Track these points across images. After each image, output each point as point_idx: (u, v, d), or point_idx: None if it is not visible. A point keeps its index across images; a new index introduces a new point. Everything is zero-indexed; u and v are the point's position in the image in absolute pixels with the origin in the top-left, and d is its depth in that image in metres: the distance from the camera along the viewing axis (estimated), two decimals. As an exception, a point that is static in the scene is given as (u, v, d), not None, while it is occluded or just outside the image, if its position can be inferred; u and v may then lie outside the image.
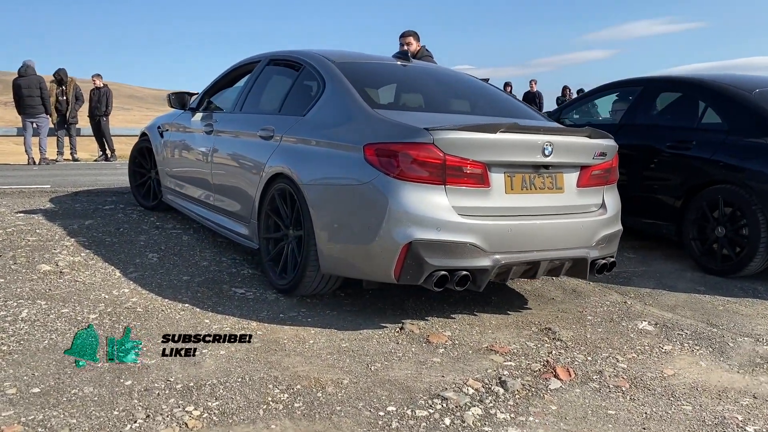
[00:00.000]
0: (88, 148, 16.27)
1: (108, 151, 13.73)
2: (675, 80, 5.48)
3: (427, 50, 6.53)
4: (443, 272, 3.12)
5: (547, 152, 3.36)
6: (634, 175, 5.30)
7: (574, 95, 17.93)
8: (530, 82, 17.40)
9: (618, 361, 3.14)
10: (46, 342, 3.00)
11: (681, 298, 4.25)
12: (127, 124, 28.20)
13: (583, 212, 3.63)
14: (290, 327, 3.33)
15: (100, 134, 13.60)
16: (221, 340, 3.10)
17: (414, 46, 6.47)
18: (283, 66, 4.53)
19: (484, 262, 3.18)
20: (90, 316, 3.33)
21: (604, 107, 6.89)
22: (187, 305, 3.56)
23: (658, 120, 5.44)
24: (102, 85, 13.40)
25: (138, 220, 5.61)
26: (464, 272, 3.14)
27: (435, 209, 3.12)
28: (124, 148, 15.01)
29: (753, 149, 4.56)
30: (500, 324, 3.55)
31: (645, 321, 3.75)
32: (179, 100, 5.31)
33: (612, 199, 3.82)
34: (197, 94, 5.44)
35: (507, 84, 17.70)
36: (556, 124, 3.93)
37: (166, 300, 3.63)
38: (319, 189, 3.45)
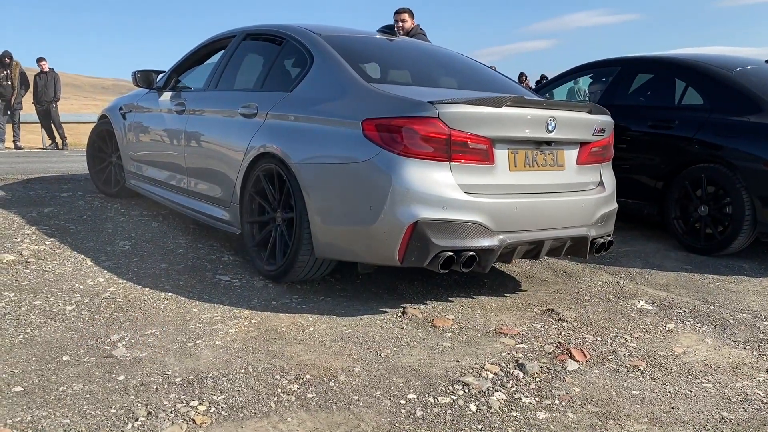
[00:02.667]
0: (29, 136, 15.52)
1: (59, 140, 13.08)
2: (653, 60, 5.46)
3: (420, 29, 6.40)
4: (449, 253, 2.98)
5: (550, 127, 3.25)
6: (618, 155, 5.25)
7: (532, 84, 18.04)
8: (491, 67, 17.42)
9: (627, 341, 3.06)
10: (22, 336, 2.74)
11: (671, 277, 4.22)
12: (69, 113, 27.06)
13: (583, 190, 3.54)
14: (286, 314, 3.14)
15: (49, 122, 12.94)
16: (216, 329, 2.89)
17: (408, 24, 6.36)
18: (263, 41, 4.29)
19: (491, 241, 3.05)
20: (66, 307, 3.07)
21: (580, 89, 6.86)
22: (170, 294, 3.33)
23: (638, 100, 5.42)
24: (48, 69, 12.73)
25: (101, 207, 5.28)
26: (471, 253, 3.01)
27: (440, 187, 2.97)
28: (71, 134, 14.39)
29: (736, 127, 4.57)
30: (501, 306, 3.43)
31: (642, 300, 3.69)
32: (145, 78, 4.99)
33: (609, 176, 3.76)
34: (163, 72, 5.14)
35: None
36: (557, 100, 3.83)
37: (147, 289, 3.39)
38: (313, 168, 3.26)
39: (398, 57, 4.11)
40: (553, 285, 3.94)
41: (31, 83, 12.73)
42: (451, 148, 2.98)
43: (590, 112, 3.47)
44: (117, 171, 5.67)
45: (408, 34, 6.21)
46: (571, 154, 3.47)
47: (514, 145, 3.20)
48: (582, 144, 3.50)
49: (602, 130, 3.57)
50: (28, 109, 13.38)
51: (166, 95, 4.85)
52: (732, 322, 3.39)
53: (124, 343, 2.72)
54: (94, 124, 6.15)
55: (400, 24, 6.37)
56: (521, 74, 18.76)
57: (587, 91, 5.88)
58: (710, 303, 3.70)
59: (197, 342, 2.76)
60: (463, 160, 3.02)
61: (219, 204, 4.08)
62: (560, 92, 6.75)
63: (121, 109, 5.49)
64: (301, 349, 2.74)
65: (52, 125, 12.97)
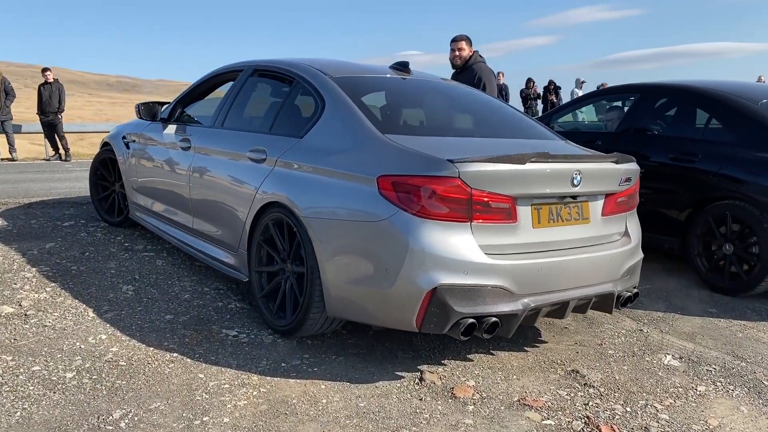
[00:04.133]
0: (32, 147, 15.40)
1: (62, 151, 12.96)
2: (674, 88, 5.28)
3: (480, 56, 5.88)
4: (471, 320, 2.81)
5: (575, 181, 3.08)
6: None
7: (540, 90, 17.84)
8: (498, 74, 17.20)
9: (658, 410, 2.89)
10: (19, 414, 2.58)
11: (696, 324, 4.05)
12: (73, 111, 26.93)
13: (608, 242, 3.37)
14: (296, 381, 2.98)
15: (53, 132, 12.80)
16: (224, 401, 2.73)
17: (466, 52, 5.83)
18: (271, 78, 4.13)
19: (514, 306, 2.88)
20: (66, 374, 2.91)
21: (595, 114, 6.68)
22: (176, 355, 3.17)
23: (659, 129, 5.23)
24: (53, 80, 12.60)
25: (104, 240, 5.13)
26: (494, 319, 2.84)
27: (461, 249, 2.80)
28: (73, 144, 14.27)
29: (763, 164, 4.39)
30: (523, 366, 3.26)
31: (669, 354, 3.52)
32: (149, 111, 4.84)
33: (634, 225, 3.59)
34: (167, 104, 4.98)
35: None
36: (582, 150, 3.65)
37: (151, 348, 3.23)
38: (325, 223, 3.09)
39: (413, 99, 3.94)
40: (575, 334, 3.76)
41: (38, 93, 12.60)
42: (472, 209, 2.81)
43: (617, 162, 3.30)
44: (120, 200, 5.53)
45: (466, 63, 5.78)
46: (596, 206, 3.29)
47: (537, 201, 3.03)
48: (607, 195, 3.33)
49: (628, 179, 3.40)
50: (32, 119, 13.25)
51: (171, 128, 4.69)
52: (766, 384, 3.22)
53: (126, 421, 2.56)
54: (98, 135, 6.01)
55: (457, 53, 5.84)
56: (529, 80, 18.53)
57: (604, 119, 5.71)
58: (741, 358, 3.53)
59: (204, 419, 2.60)
60: (484, 220, 2.86)
61: (225, 247, 3.92)
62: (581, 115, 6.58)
63: (124, 137, 5.34)
64: (313, 428, 2.58)
65: (56, 136, 12.83)
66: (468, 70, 5.69)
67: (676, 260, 5.13)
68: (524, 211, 2.98)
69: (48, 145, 13.19)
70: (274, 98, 3.97)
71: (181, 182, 4.38)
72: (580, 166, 3.09)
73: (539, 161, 2.94)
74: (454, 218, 2.80)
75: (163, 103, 5.00)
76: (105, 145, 5.72)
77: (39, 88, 12.57)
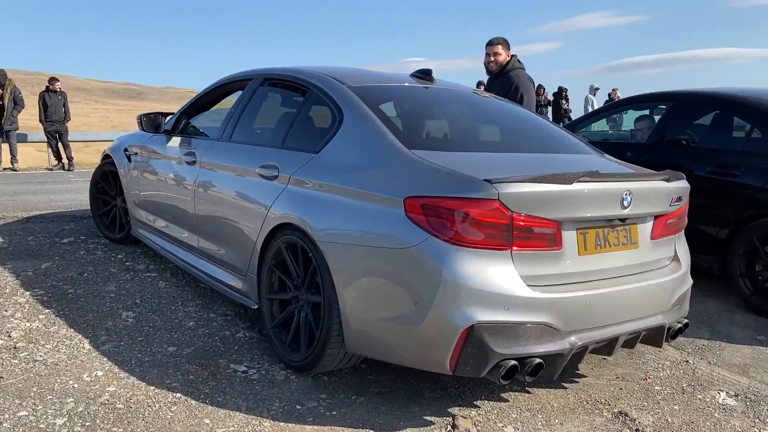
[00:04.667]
0: (37, 154, 15.16)
1: (65, 160, 12.71)
2: (710, 96, 4.94)
3: (519, 62, 5.38)
4: (513, 362, 2.48)
5: (626, 203, 2.76)
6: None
7: (550, 96, 17.52)
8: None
9: (723, 462, 2.55)
10: (-1, 472, 2.27)
11: (746, 354, 3.71)
12: (79, 118, 26.65)
13: (658, 268, 3.05)
14: (313, 427, 2.65)
15: (57, 141, 12.56)
16: (231, 457, 2.41)
17: (503, 57, 5.33)
18: (283, 88, 3.82)
19: (561, 345, 2.56)
20: (56, 421, 2.59)
21: (625, 123, 6.35)
22: (179, 395, 2.85)
23: (695, 140, 4.90)
24: (59, 89, 12.38)
25: (104, 259, 4.83)
26: (538, 360, 2.51)
27: (501, 282, 2.48)
28: (78, 152, 14.02)
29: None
30: (564, 407, 2.93)
31: (722, 391, 3.19)
32: (151, 122, 4.54)
33: (683, 248, 3.26)
34: (171, 114, 4.68)
35: (480, 83, 17.10)
36: (629, 166, 3.33)
37: (152, 387, 2.91)
38: (345, 249, 2.78)
39: (438, 110, 3.62)
40: (615, 367, 3.43)
41: (39, 102, 12.35)
42: (512, 235, 2.49)
43: (668, 180, 2.98)
44: (122, 215, 5.22)
45: (503, 69, 5.31)
46: (646, 229, 2.97)
47: (584, 225, 2.71)
48: (657, 216, 3.01)
49: (679, 198, 3.08)
50: (36, 128, 13.01)
51: (176, 140, 4.39)
52: (837, 427, 2.88)
53: (122, 480, 2.24)
54: (100, 145, 5.71)
55: (492, 58, 5.32)
56: (539, 86, 18.19)
57: (633, 128, 5.40)
58: (803, 396, 3.19)
59: (210, 477, 2.28)
60: (526, 248, 2.53)
61: (233, 271, 3.61)
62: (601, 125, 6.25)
63: (126, 150, 5.04)
64: (336, 488, 2.25)
65: (60, 145, 12.59)
66: (504, 77, 5.28)
67: (715, 280, 4.79)
68: (570, 237, 2.65)
69: (51, 154, 12.92)
70: (286, 109, 3.66)
71: (185, 198, 4.08)
72: (630, 186, 2.77)
73: (588, 181, 2.62)
74: (492, 246, 2.48)
75: (166, 114, 4.70)
76: (106, 157, 5.43)
77: (42, 96, 12.31)
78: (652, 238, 2.99)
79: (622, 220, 2.83)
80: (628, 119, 6.16)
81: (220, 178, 3.75)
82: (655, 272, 3.01)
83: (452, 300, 2.45)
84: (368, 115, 3.04)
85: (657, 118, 5.42)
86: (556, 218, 2.58)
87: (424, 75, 3.73)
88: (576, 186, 2.58)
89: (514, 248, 2.50)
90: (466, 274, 2.44)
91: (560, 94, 17.43)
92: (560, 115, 17.02)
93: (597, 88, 16.70)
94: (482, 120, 3.68)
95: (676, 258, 3.17)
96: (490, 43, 5.34)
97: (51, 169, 12.79)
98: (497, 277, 2.48)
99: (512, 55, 5.36)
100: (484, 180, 2.46)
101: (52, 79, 12.44)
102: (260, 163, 3.37)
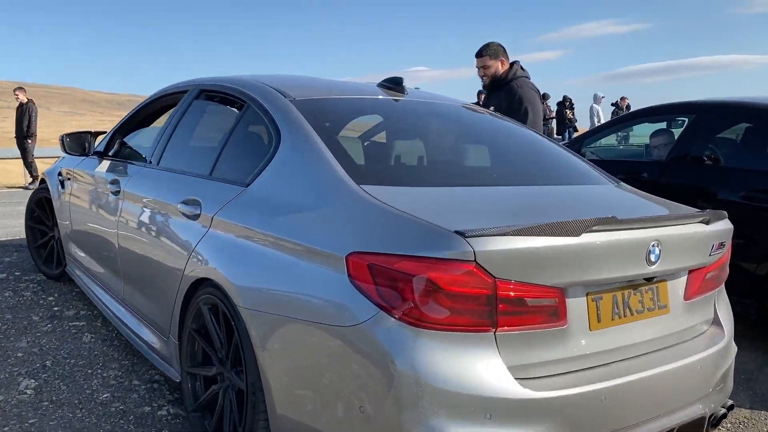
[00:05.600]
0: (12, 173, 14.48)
1: (29, 178, 12.01)
2: (741, 106, 4.19)
3: (522, 69, 4.58)
4: (497, 492, 1.74)
5: (653, 256, 2.02)
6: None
7: (553, 105, 16.79)
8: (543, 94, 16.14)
9: None
10: None
11: (801, 430, 2.95)
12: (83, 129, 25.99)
13: (694, 337, 2.30)
14: None
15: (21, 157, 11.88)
16: None
17: (494, 68, 4.49)
18: (219, 102, 3.10)
19: None
20: None
21: (639, 138, 5.61)
22: None
23: (723, 159, 4.16)
24: (26, 100, 11.62)
25: (30, 302, 4.12)
26: (532, 488, 1.77)
27: (481, 377, 1.74)
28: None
29: None
30: None
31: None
32: (76, 143, 3.84)
33: (725, 307, 2.52)
34: (105, 133, 3.98)
35: (480, 92, 16.34)
36: (659, 203, 2.58)
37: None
38: (273, 322, 2.05)
39: (408, 130, 2.90)
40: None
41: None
42: (497, 310, 1.75)
43: (707, 223, 2.23)
44: (60, 248, 4.51)
45: (503, 79, 4.49)
46: (678, 286, 2.23)
47: (596, 289, 1.97)
48: (692, 269, 2.27)
49: (721, 245, 2.34)
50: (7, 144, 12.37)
51: (105, 164, 3.69)
52: None
53: None
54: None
55: (482, 72, 4.54)
56: (543, 94, 17.46)
57: (649, 145, 4.68)
58: None
59: None
60: (516, 327, 1.79)
61: (157, 330, 2.89)
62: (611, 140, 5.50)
63: (60, 174, 4.34)
64: None
65: (23, 161, 11.88)
66: (505, 89, 4.49)
67: (752, 326, 4.03)
68: (578, 307, 1.92)
69: (26, 171, 12.25)
70: (218, 129, 2.94)
71: (109, 236, 3.36)
72: (659, 234, 2.03)
73: (602, 230, 1.88)
74: (468, 326, 1.74)
75: (98, 133, 4.00)
76: (41, 182, 4.73)
77: (16, 109, 11.65)
78: (686, 299, 2.25)
79: (649, 278, 2.09)
80: (640, 132, 5.42)
81: (142, 213, 3.04)
82: (690, 344, 2.26)
83: (410, 405, 1.71)
84: (309, 138, 2.31)
85: (676, 132, 4.68)
86: (558, 284, 1.84)
87: (393, 85, 2.98)
88: (586, 238, 1.85)
89: (500, 329, 1.77)
90: (430, 368, 1.71)
91: (564, 103, 16.66)
92: (564, 126, 16.26)
93: (602, 97, 15.88)
94: (466, 142, 2.93)
95: (716, 321, 2.42)
96: (478, 54, 4.58)
97: (27, 188, 12.10)
98: (475, 370, 1.74)
99: (513, 63, 4.59)
100: (455, 232, 1.73)
101: (16, 89, 11.66)
102: (183, 197, 2.66)
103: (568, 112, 16.38)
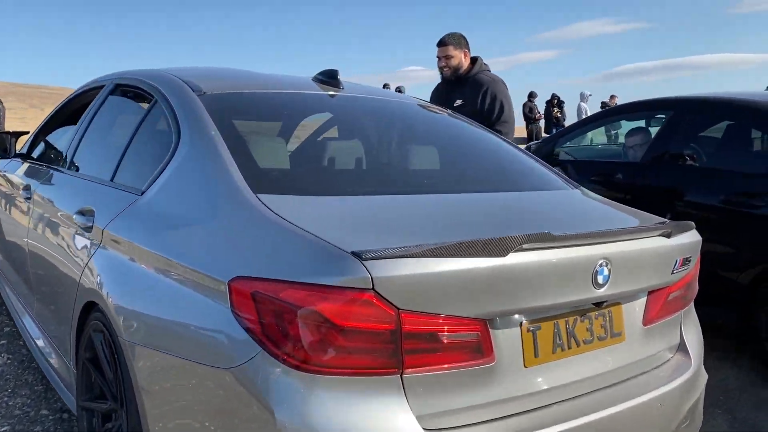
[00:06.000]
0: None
1: None
2: (723, 103, 3.87)
3: (485, 65, 4.28)
4: None
5: (601, 278, 1.70)
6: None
7: (541, 107, 16.47)
8: (397, 90, 15.78)
9: None
10: None
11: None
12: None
13: (655, 368, 1.99)
14: None
15: None
16: None
17: (458, 59, 4.16)
18: (131, 97, 2.77)
19: None
20: None
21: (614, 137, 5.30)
22: None
23: (703, 160, 3.86)
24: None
25: (-49, 318, 3.78)
26: None
27: (383, 430, 1.42)
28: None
29: None
30: None
31: None
32: None
33: (693, 329, 2.21)
34: (28, 133, 3.66)
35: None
36: (614, 210, 2.26)
37: None
38: (155, 359, 1.73)
39: (335, 128, 2.57)
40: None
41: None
42: (402, 348, 1.43)
43: (669, 236, 1.91)
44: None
45: (467, 74, 4.19)
46: (635, 310, 1.92)
47: (534, 317, 1.65)
48: (653, 290, 1.96)
49: (687, 261, 2.02)
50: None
51: (23, 168, 3.36)
52: None
53: None
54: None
55: (444, 62, 4.20)
56: (531, 93, 17.14)
57: (625, 145, 4.37)
58: None
59: None
60: (427, 368, 1.48)
61: (62, 354, 2.57)
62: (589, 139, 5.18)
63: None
64: None
65: None
66: (470, 83, 4.18)
67: (734, 339, 3.73)
68: (508, 340, 1.60)
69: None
70: (127, 128, 2.60)
71: (22, 247, 3.04)
72: (608, 251, 1.71)
73: (534, 248, 1.56)
74: (367, 369, 1.43)
75: (21, 133, 3.67)
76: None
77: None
78: (645, 324, 1.94)
79: (598, 303, 1.77)
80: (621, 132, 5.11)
81: (46, 222, 2.72)
82: (651, 376, 1.95)
83: (295, 467, 1.39)
84: (209, 138, 1.98)
85: (654, 130, 4.37)
86: (481, 314, 1.52)
87: (327, 79, 2.64)
88: (515, 259, 1.53)
89: (407, 370, 1.45)
90: (319, 422, 1.39)
91: (552, 102, 16.35)
92: (552, 125, 15.95)
93: (589, 95, 15.53)
94: (402, 144, 2.58)
95: (682, 347, 2.11)
96: (440, 43, 4.23)
97: None
98: (376, 423, 1.42)
99: (476, 57, 4.28)
100: (352, 253, 1.40)
101: None
102: (78, 206, 2.33)
103: (556, 110, 16.08)
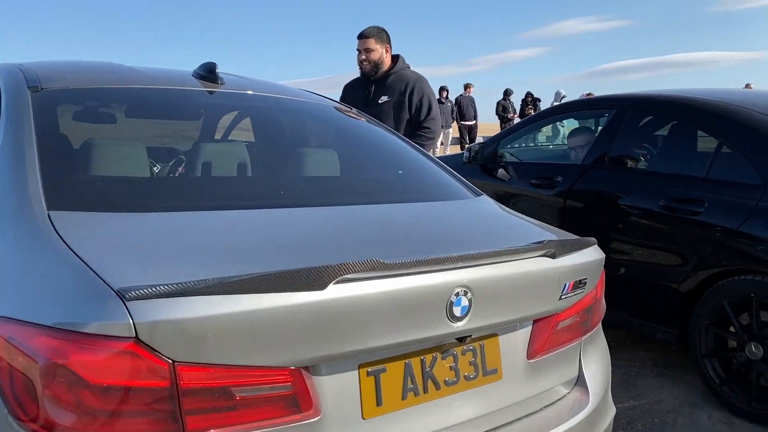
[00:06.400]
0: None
1: None
2: (667, 101, 3.60)
3: (405, 64, 4.02)
4: None
5: (459, 310, 1.42)
6: (608, 246, 3.48)
7: (518, 105, 16.23)
8: (465, 86, 15.55)
9: None
10: None
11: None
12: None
13: (544, 407, 1.72)
14: None
15: None
16: None
17: (379, 54, 3.88)
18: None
19: None
20: None
21: (558, 137, 5.03)
22: None
23: (644, 162, 3.61)
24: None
25: None
26: None
27: None
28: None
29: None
30: None
31: None
32: None
33: (597, 357, 1.93)
34: None
35: (443, 88, 15.69)
36: (501, 230, 1.97)
37: None
38: None
39: (203, 130, 2.27)
40: None
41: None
42: (181, 409, 1.15)
43: (553, 256, 1.64)
44: None
45: (389, 71, 3.92)
46: (515, 342, 1.65)
47: (376, 358, 1.38)
48: (539, 319, 1.68)
49: (580, 284, 1.74)
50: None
51: None
52: None
53: None
54: None
55: (364, 56, 3.90)
56: (506, 90, 16.89)
57: (567, 148, 4.11)
58: None
59: None
60: (221, 430, 1.19)
61: None
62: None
63: None
64: None
65: None
66: (394, 80, 3.93)
67: (674, 355, 3.50)
68: (340, 388, 1.32)
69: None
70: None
71: None
72: (467, 277, 1.43)
73: (363, 278, 1.28)
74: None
75: None
76: None
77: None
78: (530, 357, 1.67)
79: (461, 338, 1.50)
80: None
81: None
82: (541, 417, 1.68)
83: None
84: (19, 139, 1.68)
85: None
86: (295, 361, 1.24)
87: (205, 73, 2.33)
88: (338, 292, 1.25)
89: (190, 432, 1.16)
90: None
91: (526, 100, 16.11)
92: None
93: (564, 96, 15.22)
94: (276, 148, 2.28)
95: (580, 382, 1.84)
96: (361, 36, 3.93)
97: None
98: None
99: (396, 56, 4.02)
100: (118, 291, 1.11)
101: None
102: None
103: (530, 108, 15.84)
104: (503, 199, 4.09)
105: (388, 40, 3.94)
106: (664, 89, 3.82)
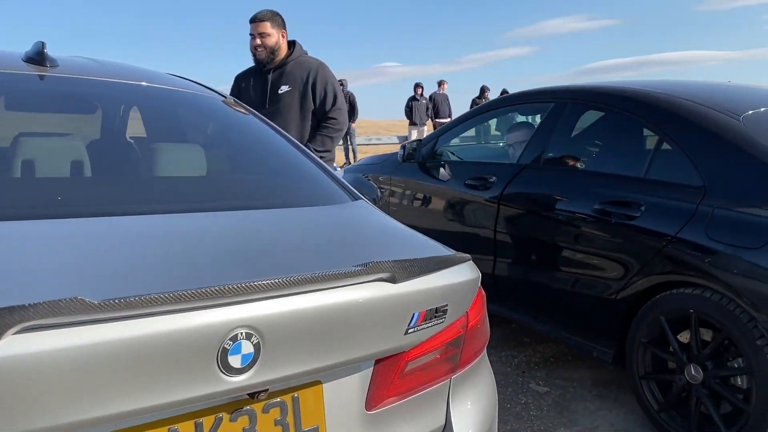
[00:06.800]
0: None
1: None
2: (606, 93, 3.25)
3: (303, 51, 3.68)
4: None
5: (237, 360, 1.06)
6: (543, 255, 3.16)
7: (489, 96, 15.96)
8: (438, 83, 15.27)
9: None
10: None
11: None
12: None
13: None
14: None
15: None
16: None
17: (275, 39, 3.54)
18: None
19: None
20: None
21: (497, 134, 4.69)
22: None
23: (581, 161, 3.28)
24: None
25: None
26: None
27: None
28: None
29: (753, 226, 2.43)
30: None
31: None
32: None
33: (474, 399, 1.58)
34: None
35: (417, 85, 15.26)
36: (353, 247, 1.60)
37: None
38: None
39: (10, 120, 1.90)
40: None
41: None
42: None
43: (393, 280, 1.28)
44: None
45: (286, 59, 3.60)
46: (348, 390, 1.29)
47: (127, 425, 1.02)
48: (381, 359, 1.33)
49: (437, 312, 1.39)
50: None
51: None
52: None
53: None
54: None
55: (259, 41, 3.54)
56: (482, 87, 16.59)
57: (506, 145, 3.77)
58: None
59: None
60: None
61: None
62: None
63: None
64: None
65: None
66: (294, 68, 3.60)
67: (619, 372, 3.17)
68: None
69: None
70: None
71: None
72: (249, 315, 1.08)
73: (60, 324, 0.92)
74: None
75: None
76: None
77: None
78: (371, 407, 1.32)
79: (254, 394, 1.14)
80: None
81: None
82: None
83: None
84: None
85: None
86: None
87: (33, 55, 1.96)
88: (18, 347, 0.88)
89: None
90: None
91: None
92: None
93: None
94: (103, 144, 1.93)
95: (448, 430, 1.49)
96: (254, 19, 3.56)
97: None
98: None
99: (293, 41, 3.68)
100: None
101: None
102: None
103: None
104: (437, 201, 3.75)
105: (284, 25, 3.61)
106: (604, 81, 3.49)
